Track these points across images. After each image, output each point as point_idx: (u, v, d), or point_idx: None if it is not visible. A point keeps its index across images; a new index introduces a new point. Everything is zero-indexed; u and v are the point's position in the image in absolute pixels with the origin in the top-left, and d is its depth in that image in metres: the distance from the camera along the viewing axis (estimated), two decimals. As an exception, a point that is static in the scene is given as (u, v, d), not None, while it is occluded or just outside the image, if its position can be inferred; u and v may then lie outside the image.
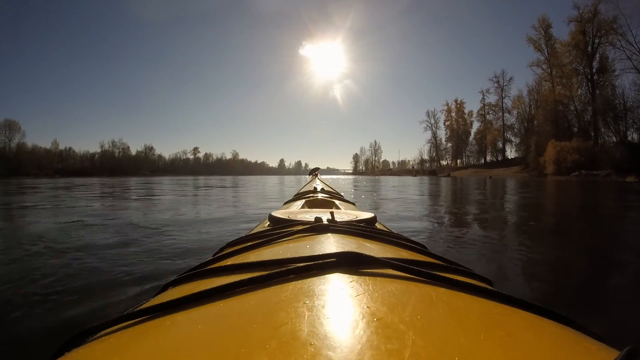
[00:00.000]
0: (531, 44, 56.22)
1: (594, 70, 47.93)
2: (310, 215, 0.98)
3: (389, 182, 23.56)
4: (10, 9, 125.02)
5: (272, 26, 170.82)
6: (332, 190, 2.54)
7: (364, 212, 1.10)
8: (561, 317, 0.37)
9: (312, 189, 2.35)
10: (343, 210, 1.30)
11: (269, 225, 0.93)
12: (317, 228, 0.68)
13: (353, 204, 1.87)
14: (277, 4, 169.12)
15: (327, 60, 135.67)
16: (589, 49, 47.96)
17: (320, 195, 1.96)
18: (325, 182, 3.34)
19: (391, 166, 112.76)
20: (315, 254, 0.47)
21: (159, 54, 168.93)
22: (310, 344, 0.26)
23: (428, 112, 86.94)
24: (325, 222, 0.75)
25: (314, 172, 4.11)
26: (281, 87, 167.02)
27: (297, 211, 1.13)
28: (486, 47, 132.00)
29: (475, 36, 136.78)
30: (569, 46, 50.30)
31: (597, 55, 47.67)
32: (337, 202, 1.75)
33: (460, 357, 0.25)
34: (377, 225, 1.01)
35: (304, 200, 1.78)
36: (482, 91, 73.23)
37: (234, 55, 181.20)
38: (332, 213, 0.89)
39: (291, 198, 2.11)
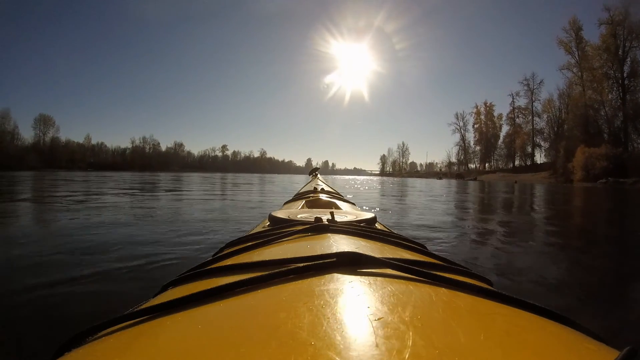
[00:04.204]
0: (562, 47, 55.99)
1: (625, 74, 47.42)
2: (310, 215, 0.99)
3: (416, 186, 24.21)
4: (45, 6, 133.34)
5: (302, 25, 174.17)
6: (332, 190, 2.57)
7: (364, 212, 1.12)
8: (561, 317, 0.37)
9: (313, 189, 2.35)
10: (343, 210, 1.33)
11: (269, 225, 0.94)
12: (317, 228, 0.69)
13: (353, 204, 1.88)
14: (307, 3, 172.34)
15: (356, 61, 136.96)
16: (620, 52, 47.47)
17: (320, 195, 1.97)
18: (325, 182, 3.46)
19: (418, 168, 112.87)
20: (315, 254, 0.47)
21: (191, 52, 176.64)
22: (311, 344, 0.26)
23: (457, 115, 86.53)
24: (325, 222, 0.75)
25: (314, 172, 4.07)
26: (309, 87, 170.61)
27: (297, 211, 1.14)
28: (516, 49, 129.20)
29: (506, 38, 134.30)
30: (600, 49, 49.82)
31: (628, 59, 47.19)
32: (337, 202, 1.77)
33: (460, 357, 0.25)
34: (377, 225, 1.04)
35: (304, 201, 1.79)
36: (512, 94, 72.62)
37: (263, 54, 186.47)
38: (332, 213, 0.90)
39: (291, 198, 2.14)
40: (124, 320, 0.38)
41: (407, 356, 0.25)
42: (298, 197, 2.12)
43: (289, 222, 0.86)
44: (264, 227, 0.95)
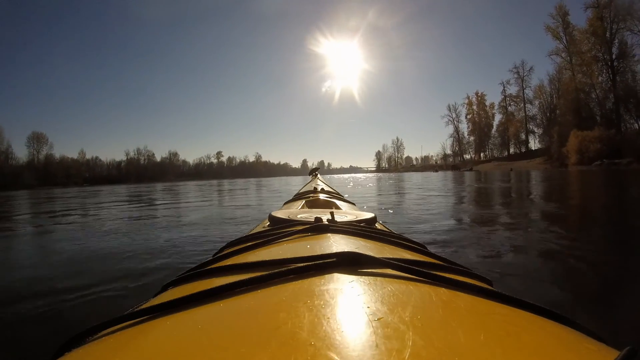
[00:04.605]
0: (549, 33, 56.24)
1: (613, 56, 47.65)
2: (310, 215, 0.99)
3: (412, 180, 23.44)
4: (34, 19, 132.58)
5: (291, 26, 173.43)
6: (332, 190, 2.58)
7: (364, 212, 1.12)
8: (561, 317, 0.37)
9: (312, 189, 2.35)
10: (343, 210, 1.33)
11: (269, 226, 0.94)
12: (317, 228, 0.69)
13: (353, 204, 1.88)
14: (296, 4, 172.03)
15: (347, 59, 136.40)
16: (608, 35, 47.69)
17: (320, 196, 1.98)
18: (325, 182, 3.47)
19: (414, 162, 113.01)
20: (315, 254, 0.47)
21: (179, 59, 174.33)
22: (311, 344, 0.26)
23: (449, 106, 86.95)
24: (325, 222, 0.75)
25: (314, 172, 4.06)
26: (302, 87, 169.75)
27: (297, 211, 1.14)
28: (505, 37, 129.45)
29: (494, 27, 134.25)
30: (588, 33, 50.10)
31: (616, 41, 47.50)
32: (337, 202, 1.77)
33: (460, 357, 0.25)
34: (377, 225, 1.04)
35: (304, 201, 1.79)
36: (503, 82, 73.05)
37: (254, 57, 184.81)
38: (332, 213, 0.90)
39: (291, 198, 2.14)
40: (124, 320, 0.38)
41: (407, 356, 0.25)
42: (298, 197, 2.10)
43: (289, 222, 0.86)
44: (264, 227, 0.95)
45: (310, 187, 2.60)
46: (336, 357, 0.25)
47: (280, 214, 1.02)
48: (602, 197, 8.32)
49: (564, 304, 1.82)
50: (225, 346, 0.28)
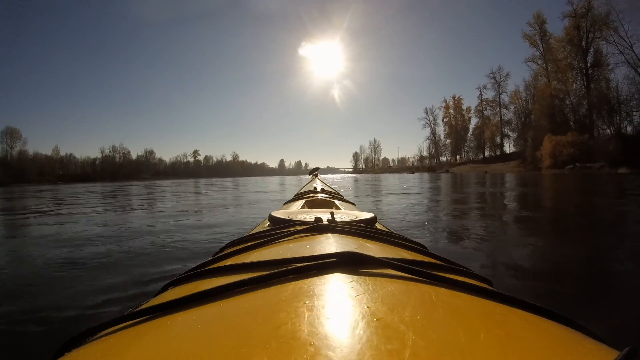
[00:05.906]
0: (527, 40, 57.04)
1: (588, 64, 48.65)
2: (310, 215, 0.99)
3: (389, 181, 23.33)
4: (11, 14, 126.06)
5: (271, 26, 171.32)
6: (332, 190, 2.57)
7: (364, 212, 1.12)
8: (561, 317, 0.37)
9: (312, 189, 2.38)
10: (343, 210, 1.33)
11: (269, 226, 0.94)
12: (317, 228, 0.68)
13: (353, 204, 1.89)
14: (276, 4, 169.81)
15: (326, 60, 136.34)
16: (584, 43, 48.65)
17: (320, 196, 1.98)
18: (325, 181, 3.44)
19: (391, 164, 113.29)
20: (315, 254, 0.47)
21: (157, 56, 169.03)
22: (310, 344, 0.26)
23: (426, 109, 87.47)
24: (325, 222, 0.75)
25: (314, 172, 4.11)
26: (280, 87, 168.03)
27: (297, 211, 1.14)
28: (483, 43, 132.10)
29: (472, 33, 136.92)
30: (564, 41, 50.98)
31: (592, 50, 48.53)
32: (337, 202, 1.78)
33: (460, 357, 0.25)
34: (377, 225, 1.03)
35: (304, 201, 1.79)
36: (480, 87, 73.96)
37: (233, 56, 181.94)
38: (332, 213, 0.90)
39: (291, 198, 2.15)
40: (124, 321, 0.38)
41: (407, 356, 0.24)
42: (298, 197, 2.09)
43: (289, 222, 0.86)
44: (264, 227, 0.95)
45: (310, 187, 2.61)
46: (336, 357, 0.24)
47: (280, 214, 1.01)
48: (573, 198, 8.70)
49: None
50: (225, 346, 0.28)
